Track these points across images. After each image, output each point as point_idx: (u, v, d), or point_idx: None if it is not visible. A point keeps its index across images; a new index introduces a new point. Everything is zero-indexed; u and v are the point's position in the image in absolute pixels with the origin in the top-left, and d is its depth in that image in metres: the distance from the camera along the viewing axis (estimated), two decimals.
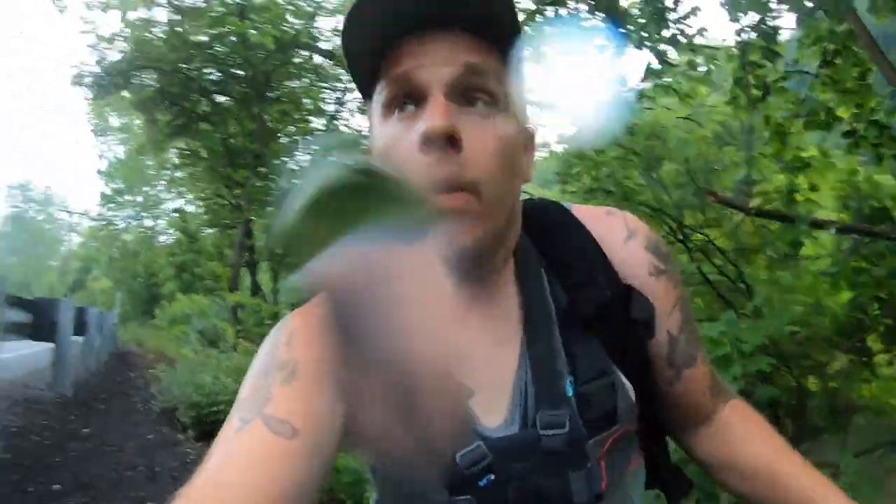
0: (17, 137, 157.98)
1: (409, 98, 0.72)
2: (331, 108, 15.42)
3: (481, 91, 0.72)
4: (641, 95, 6.02)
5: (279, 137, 14.80)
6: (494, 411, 0.77)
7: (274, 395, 0.72)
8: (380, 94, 0.75)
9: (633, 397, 0.81)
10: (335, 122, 15.29)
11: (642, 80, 5.64)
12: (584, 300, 0.80)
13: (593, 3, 5.78)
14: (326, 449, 0.70)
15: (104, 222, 37.21)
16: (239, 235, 14.39)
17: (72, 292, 55.14)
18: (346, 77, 14.05)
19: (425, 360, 0.45)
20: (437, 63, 0.71)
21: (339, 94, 15.07)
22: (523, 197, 0.86)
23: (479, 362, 0.78)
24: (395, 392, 0.45)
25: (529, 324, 0.80)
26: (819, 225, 4.38)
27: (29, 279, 73.81)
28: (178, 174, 20.33)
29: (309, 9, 13.23)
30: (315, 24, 13.38)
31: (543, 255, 0.84)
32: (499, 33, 0.73)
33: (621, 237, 0.86)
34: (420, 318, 0.44)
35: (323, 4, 13.46)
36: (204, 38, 12.78)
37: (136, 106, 14.33)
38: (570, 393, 0.76)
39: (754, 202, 5.72)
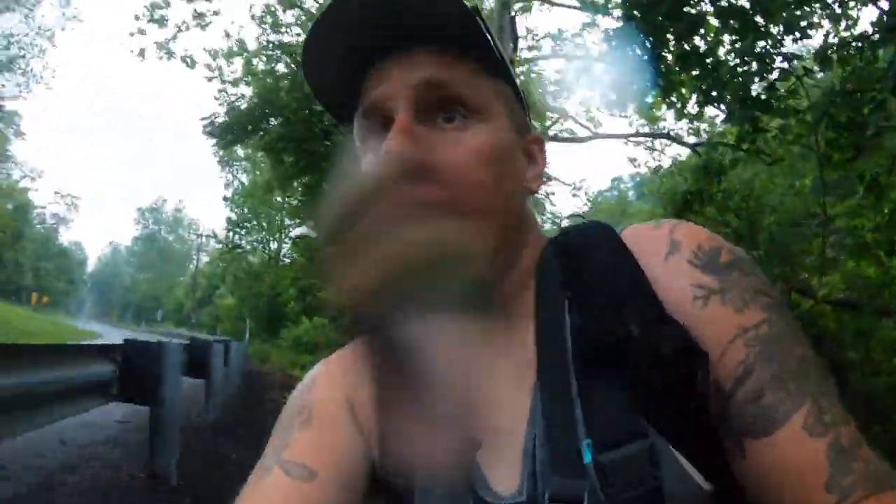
0: (151, 164, 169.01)
1: (383, 128, 0.67)
2: None
3: (453, 104, 0.68)
4: (735, 162, 6.51)
5: None
6: (505, 476, 0.66)
7: (292, 440, 0.73)
8: (356, 128, 0.72)
9: (699, 478, 0.60)
10: None
11: (734, 146, 6.07)
12: (601, 337, 0.64)
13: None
14: (347, 488, 0.70)
15: (230, 245, 39.39)
16: None
17: (199, 307, 58.56)
18: None
19: (439, 408, 0.50)
20: (399, 85, 0.67)
21: None
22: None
23: (489, 411, 0.68)
24: (414, 433, 0.51)
25: (540, 367, 0.67)
26: (886, 312, 4.55)
27: (160, 293, 78.47)
28: (301, 203, 21.81)
29: None
30: None
31: (572, 283, 0.70)
32: (465, 43, 0.69)
33: (662, 253, 0.68)
34: (437, 368, 0.48)
35: None
36: None
37: (262, 149, 15.69)
38: (587, 459, 0.61)
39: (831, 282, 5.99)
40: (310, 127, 14.51)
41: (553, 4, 14.21)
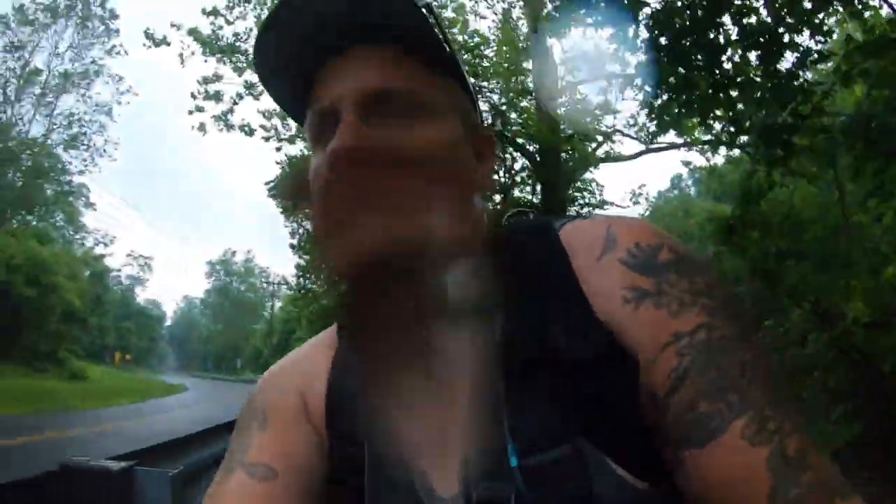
0: (218, 218, 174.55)
1: (329, 128, 0.67)
2: None
3: (399, 102, 0.67)
4: (772, 183, 6.53)
5: None
6: (446, 478, 0.66)
7: (252, 441, 0.76)
8: (308, 127, 0.72)
9: (634, 481, 0.59)
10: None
11: (769, 164, 6.09)
12: (526, 344, 0.63)
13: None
14: (308, 485, 0.73)
15: (301, 290, 40.11)
16: None
17: (276, 352, 59.59)
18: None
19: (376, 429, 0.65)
20: (346, 84, 0.67)
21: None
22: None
23: (431, 422, 0.68)
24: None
25: (475, 374, 0.66)
26: None
27: (237, 342, 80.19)
28: None
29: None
30: None
31: (505, 285, 0.68)
32: (414, 40, 0.69)
33: (596, 252, 0.66)
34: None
35: None
36: None
37: None
38: (513, 463, 0.60)
39: None
40: None
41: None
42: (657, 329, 0.60)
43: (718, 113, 6.70)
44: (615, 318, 0.62)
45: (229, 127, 16.82)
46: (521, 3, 16.80)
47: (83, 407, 21.70)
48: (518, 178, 16.79)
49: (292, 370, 0.83)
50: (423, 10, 0.68)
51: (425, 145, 0.67)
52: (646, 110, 7.32)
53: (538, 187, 15.92)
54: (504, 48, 17.48)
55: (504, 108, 16.06)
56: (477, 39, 17.28)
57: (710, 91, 6.32)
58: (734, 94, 6.35)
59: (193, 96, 16.42)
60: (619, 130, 17.05)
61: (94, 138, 40.53)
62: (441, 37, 0.71)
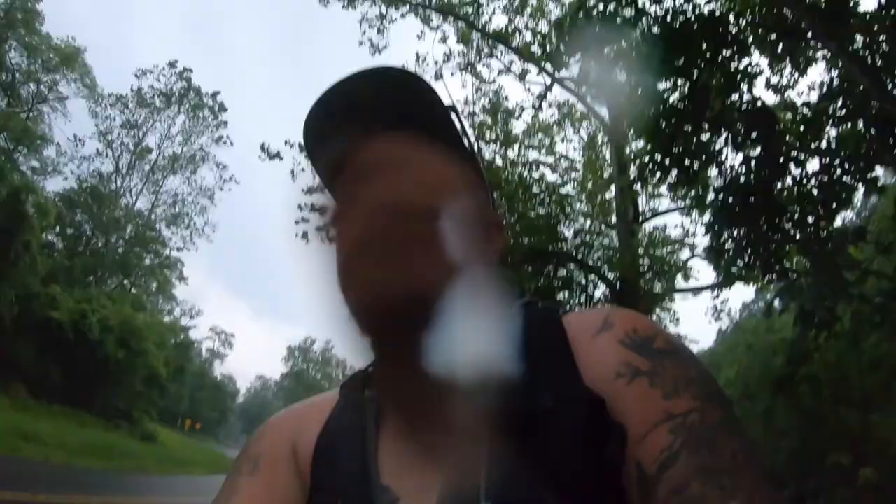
0: (301, 305, 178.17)
1: (354, 190, 0.74)
2: None
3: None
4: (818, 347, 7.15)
5: None
6: None
7: (239, 486, 0.79)
8: (338, 190, 0.78)
9: None
10: None
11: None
12: (512, 408, 0.64)
13: None
14: None
15: None
16: None
17: None
18: None
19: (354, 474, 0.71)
20: (376, 160, 0.74)
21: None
22: None
23: (415, 466, 0.71)
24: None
25: (462, 427, 0.67)
26: None
27: None
28: None
29: None
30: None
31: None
32: (438, 131, 0.79)
33: (592, 331, 0.70)
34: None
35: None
36: None
37: None
38: None
39: None
40: None
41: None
42: (650, 406, 0.61)
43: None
44: (607, 390, 0.63)
45: (331, 239, 18.39)
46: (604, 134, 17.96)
47: (157, 472, 22.83)
48: (599, 304, 17.09)
49: (289, 419, 0.88)
50: (447, 109, 0.81)
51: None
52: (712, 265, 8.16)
53: None
54: (589, 175, 18.62)
55: (587, 236, 17.05)
56: (564, 163, 18.51)
57: (772, 252, 7.12)
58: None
59: (300, 208, 17.92)
60: (696, 256, 17.54)
61: (196, 219, 43.32)
62: (461, 132, 0.82)
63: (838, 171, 7.15)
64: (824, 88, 7.70)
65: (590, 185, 18.39)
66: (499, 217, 0.87)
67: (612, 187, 17.35)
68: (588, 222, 17.58)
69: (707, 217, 8.01)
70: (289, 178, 18.21)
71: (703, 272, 18.16)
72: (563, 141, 19.33)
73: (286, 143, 17.97)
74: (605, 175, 18.38)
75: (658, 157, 7.80)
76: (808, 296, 6.79)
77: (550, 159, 18.83)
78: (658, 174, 7.94)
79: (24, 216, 25.51)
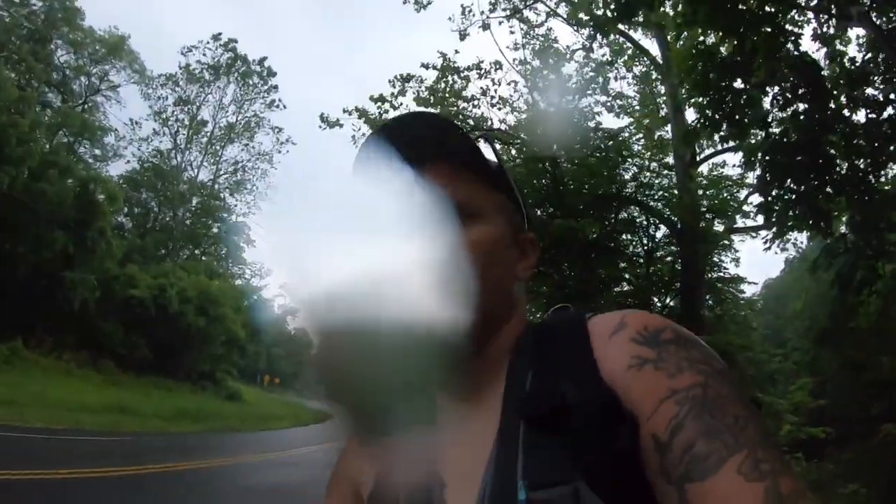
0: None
1: None
2: None
3: (456, 208, 0.80)
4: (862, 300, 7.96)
5: None
6: None
7: None
8: None
9: None
10: None
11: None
12: (542, 401, 0.73)
13: None
14: None
15: None
16: None
17: None
18: None
19: (409, 456, 0.75)
20: None
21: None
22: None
23: (459, 461, 0.80)
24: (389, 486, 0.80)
25: (501, 425, 0.77)
26: None
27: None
28: None
29: None
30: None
31: (536, 359, 0.81)
32: (468, 162, 0.87)
33: (609, 331, 0.78)
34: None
35: None
36: None
37: None
38: (521, 496, 0.70)
39: None
40: None
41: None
42: (657, 386, 0.69)
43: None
44: (621, 381, 0.72)
45: None
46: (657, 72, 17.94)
47: (244, 429, 24.31)
48: (660, 244, 17.78)
49: (353, 446, 1.00)
50: (479, 139, 0.91)
51: (473, 242, 0.81)
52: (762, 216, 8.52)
53: (678, 259, 16.66)
54: (645, 111, 18.70)
55: (646, 176, 17.29)
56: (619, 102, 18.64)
57: (819, 208, 7.39)
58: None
59: None
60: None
61: (257, 183, 44.61)
62: (491, 160, 0.91)
63: (885, 124, 7.27)
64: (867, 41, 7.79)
65: (646, 121, 18.33)
66: (532, 235, 0.95)
67: (669, 126, 17.32)
68: (646, 163, 17.63)
69: (757, 172, 8.33)
70: (346, 139, 18.92)
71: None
72: (615, 80, 19.20)
73: (345, 111, 18.40)
74: (661, 113, 18.32)
75: (709, 112, 8.02)
76: (848, 257, 7.18)
77: (604, 98, 18.81)
78: (709, 130, 8.17)
79: (96, 205, 27.03)
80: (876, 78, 7.58)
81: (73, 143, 32.77)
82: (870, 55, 7.67)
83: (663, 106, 18.25)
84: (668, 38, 14.92)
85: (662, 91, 18.28)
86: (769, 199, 7.99)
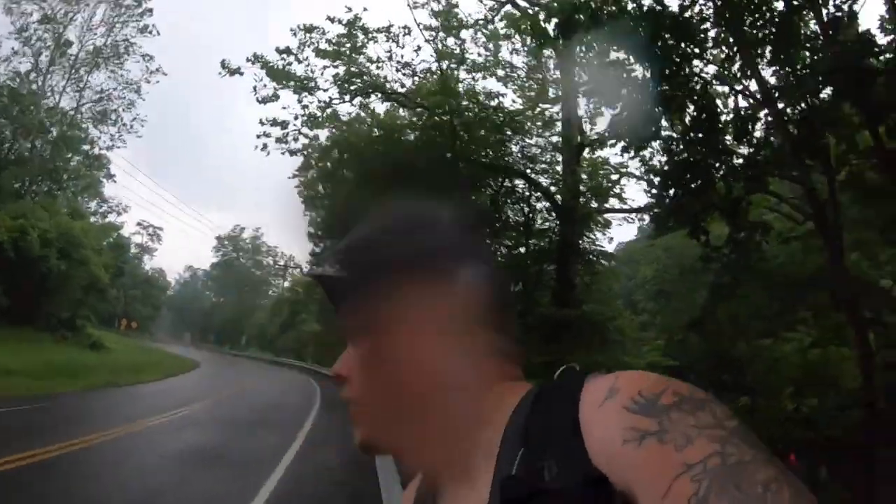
0: (231, 195, 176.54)
1: None
2: None
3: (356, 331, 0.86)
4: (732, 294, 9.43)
5: None
6: None
7: None
8: None
9: None
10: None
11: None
12: (519, 483, 0.66)
13: None
14: None
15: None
16: None
17: (282, 331, 60.28)
18: None
19: None
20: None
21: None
22: None
23: None
24: None
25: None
26: None
27: (240, 318, 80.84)
28: None
29: None
30: None
31: (526, 436, 0.71)
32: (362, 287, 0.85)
33: (599, 400, 0.67)
34: None
35: None
36: None
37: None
38: None
39: None
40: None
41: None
42: (665, 463, 0.59)
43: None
44: (617, 458, 0.61)
45: (292, 153, 20.39)
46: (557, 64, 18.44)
47: (120, 382, 23.01)
48: (539, 216, 19.43)
49: (415, 483, 0.97)
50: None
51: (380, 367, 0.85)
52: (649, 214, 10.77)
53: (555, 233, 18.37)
54: (531, 83, 19.29)
55: (530, 152, 18.73)
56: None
57: (701, 214, 9.11)
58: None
59: (262, 122, 18.78)
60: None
61: (123, 115, 41.08)
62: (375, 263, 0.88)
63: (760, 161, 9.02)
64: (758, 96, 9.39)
65: (532, 94, 19.12)
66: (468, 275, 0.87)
67: (559, 108, 18.58)
68: (534, 139, 18.96)
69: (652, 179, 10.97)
70: (219, 73, 19.28)
71: (638, 196, 20.16)
72: (511, 53, 19.65)
73: (248, 59, 18.20)
74: (551, 94, 19.22)
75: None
76: (722, 268, 9.41)
77: (501, 73, 19.36)
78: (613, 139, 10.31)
79: None
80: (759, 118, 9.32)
81: None
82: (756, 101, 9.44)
83: (554, 85, 19.13)
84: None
85: (552, 67, 19.17)
86: (656, 208, 10.29)
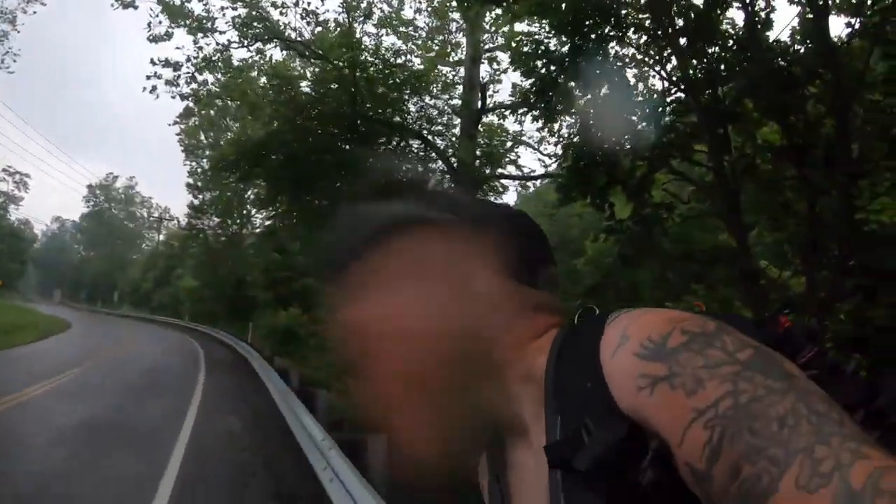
0: (105, 140, 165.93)
1: None
2: None
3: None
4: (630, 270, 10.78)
5: None
6: None
7: None
8: None
9: None
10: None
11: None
12: (565, 450, 0.65)
13: None
14: None
15: (192, 230, 40.25)
16: None
17: (157, 286, 58.27)
18: None
19: None
20: None
21: None
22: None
23: None
24: None
25: (549, 484, 0.69)
26: None
27: (112, 272, 76.77)
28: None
29: None
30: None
31: (560, 395, 0.71)
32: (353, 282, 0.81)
33: (613, 348, 0.66)
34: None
35: None
36: None
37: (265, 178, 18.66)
38: None
39: None
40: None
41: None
42: (676, 410, 0.58)
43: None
44: (635, 406, 0.62)
45: (184, 98, 19.26)
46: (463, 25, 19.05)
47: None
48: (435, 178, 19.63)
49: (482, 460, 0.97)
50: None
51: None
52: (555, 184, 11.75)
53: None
54: (431, 45, 19.73)
55: (429, 111, 19.03)
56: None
57: (605, 186, 9.89)
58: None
59: (154, 63, 18.20)
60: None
61: None
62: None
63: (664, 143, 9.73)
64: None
65: (433, 53, 19.49)
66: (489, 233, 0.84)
67: (461, 70, 18.92)
68: (432, 100, 19.30)
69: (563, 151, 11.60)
70: (111, 4, 18.04)
71: (532, 162, 21.04)
72: (414, 12, 19.94)
73: None
74: (454, 56, 19.66)
75: (530, 96, 10.68)
76: (628, 240, 9.93)
77: (403, 29, 19.56)
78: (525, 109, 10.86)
79: None
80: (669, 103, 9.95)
81: None
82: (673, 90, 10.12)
83: (457, 49, 19.67)
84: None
85: (454, 29, 19.69)
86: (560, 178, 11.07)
